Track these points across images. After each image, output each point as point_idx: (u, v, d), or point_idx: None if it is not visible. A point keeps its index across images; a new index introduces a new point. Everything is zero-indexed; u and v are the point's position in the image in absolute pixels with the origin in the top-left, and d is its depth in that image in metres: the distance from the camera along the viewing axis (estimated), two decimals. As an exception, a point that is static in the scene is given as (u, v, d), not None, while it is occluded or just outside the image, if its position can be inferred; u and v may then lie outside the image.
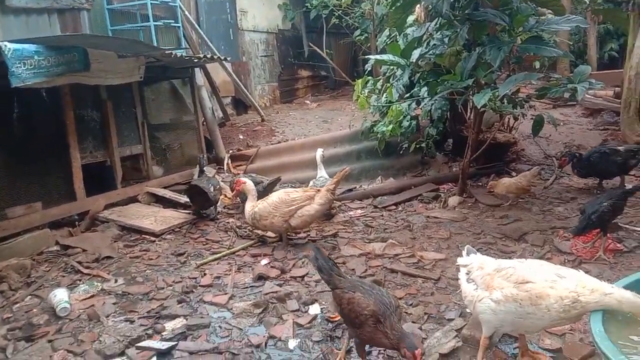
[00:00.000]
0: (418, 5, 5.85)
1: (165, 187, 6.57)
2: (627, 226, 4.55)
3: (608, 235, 4.19)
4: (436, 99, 5.71)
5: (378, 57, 6.06)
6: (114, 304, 3.71)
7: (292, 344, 3.05)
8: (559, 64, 11.25)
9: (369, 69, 7.87)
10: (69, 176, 5.48)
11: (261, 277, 3.99)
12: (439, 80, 5.33)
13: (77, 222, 5.46)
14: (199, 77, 8.15)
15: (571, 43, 12.39)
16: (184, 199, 6.07)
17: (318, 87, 14.61)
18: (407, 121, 6.73)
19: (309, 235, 5.02)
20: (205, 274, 4.14)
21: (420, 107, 6.31)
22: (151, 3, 7.57)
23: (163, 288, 3.93)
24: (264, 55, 12.35)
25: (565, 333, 2.94)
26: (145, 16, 7.83)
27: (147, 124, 6.77)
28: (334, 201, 5.85)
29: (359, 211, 5.77)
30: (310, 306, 3.50)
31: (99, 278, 4.18)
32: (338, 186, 4.88)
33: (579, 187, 5.97)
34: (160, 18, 8.10)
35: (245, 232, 5.18)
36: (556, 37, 8.04)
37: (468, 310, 2.92)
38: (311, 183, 5.76)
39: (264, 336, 3.13)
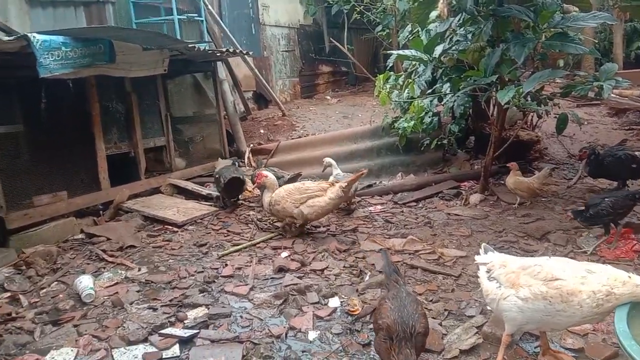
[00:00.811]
0: (441, 1, 5.80)
1: (187, 179, 6.66)
2: (652, 227, 4.47)
3: (633, 236, 4.15)
4: (459, 95, 5.68)
5: (400, 52, 6.03)
6: (137, 291, 3.79)
7: (312, 335, 3.07)
8: (584, 63, 11.04)
9: (390, 64, 7.84)
10: (94, 166, 5.59)
11: (281, 270, 4.03)
12: (462, 77, 5.29)
13: (101, 212, 5.57)
14: (222, 71, 8.22)
15: (597, 41, 12.15)
16: (206, 190, 6.15)
17: (339, 82, 14.59)
18: (429, 117, 6.70)
19: (329, 229, 5.04)
20: (226, 265, 4.19)
21: (442, 103, 6.28)
22: (175, -3, 7.65)
23: (185, 277, 3.99)
24: (285, 50, 12.37)
25: (588, 333, 2.91)
26: (169, 10, 7.91)
27: (170, 117, 6.85)
28: (355, 197, 5.91)
29: (379, 207, 5.77)
30: (330, 299, 3.52)
31: (123, 266, 4.27)
32: (352, 186, 4.93)
33: (602, 187, 5.88)
34: (183, 12, 8.18)
35: (266, 224, 5.23)
36: (581, 35, 7.90)
37: (489, 308, 2.92)
38: (331, 178, 5.78)
39: (284, 327, 3.17)
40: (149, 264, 4.32)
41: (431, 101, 6.44)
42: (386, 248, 4.39)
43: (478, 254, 2.92)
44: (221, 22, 9.32)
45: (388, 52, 7.46)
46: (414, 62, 6.34)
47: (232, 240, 4.85)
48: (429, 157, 7.10)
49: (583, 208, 4.22)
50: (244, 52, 7.87)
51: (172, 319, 3.32)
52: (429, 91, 6.23)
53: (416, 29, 7.02)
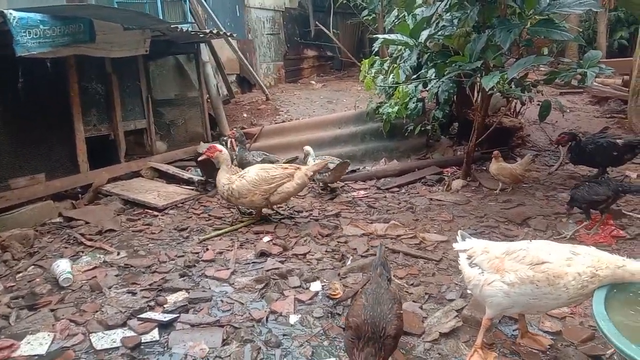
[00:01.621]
0: (428, -15, 5.77)
1: (168, 163, 6.57)
2: (630, 214, 4.54)
3: (612, 222, 4.21)
4: (443, 81, 5.67)
5: (386, 36, 5.97)
6: (116, 275, 3.73)
7: (293, 319, 3.06)
8: (568, 50, 11.13)
9: (376, 49, 7.77)
10: (72, 149, 5.48)
11: (263, 254, 4.00)
12: (447, 62, 5.27)
13: (80, 195, 5.48)
14: (205, 54, 8.08)
15: (581, 30, 12.23)
16: (187, 174, 6.08)
17: (324, 67, 14.50)
18: (413, 103, 6.69)
19: (312, 214, 5.02)
20: (207, 249, 4.15)
21: (427, 89, 6.27)
22: (157, -24, 7.48)
23: (165, 262, 3.95)
24: (270, 33, 12.22)
25: (566, 316, 2.95)
26: (151, -11, 7.75)
27: (152, 99, 6.73)
28: (338, 181, 5.90)
29: (362, 192, 5.77)
30: (311, 283, 3.51)
31: (102, 250, 4.20)
32: (316, 173, 5.00)
33: (582, 173, 5.94)
34: (166, -8, 8.01)
35: (248, 209, 5.19)
36: (566, 23, 7.92)
37: (469, 292, 2.94)
38: (310, 160, 5.77)
39: (265, 311, 3.15)
40: (128, 248, 4.26)
41: (416, 87, 6.43)
42: (369, 233, 4.40)
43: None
44: (204, 3, 9.15)
45: (374, 36, 7.40)
46: (399, 47, 6.30)
47: (213, 224, 4.80)
48: (413, 143, 7.11)
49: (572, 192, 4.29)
50: (228, 34, 7.74)
51: (152, 304, 3.28)
52: (414, 77, 6.20)
53: (402, 14, 6.97)
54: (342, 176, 5.82)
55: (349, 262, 3.84)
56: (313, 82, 12.73)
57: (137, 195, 5.38)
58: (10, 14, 4.06)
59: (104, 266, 3.91)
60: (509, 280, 2.42)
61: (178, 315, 3.11)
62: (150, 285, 3.55)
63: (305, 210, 5.16)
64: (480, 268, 2.62)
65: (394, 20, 7.25)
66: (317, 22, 13.09)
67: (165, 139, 7.08)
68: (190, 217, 5.04)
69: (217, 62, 8.88)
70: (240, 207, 4.99)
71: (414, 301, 3.21)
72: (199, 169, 6.09)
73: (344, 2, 11.97)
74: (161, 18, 7.40)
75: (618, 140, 5.40)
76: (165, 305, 3.25)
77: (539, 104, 5.55)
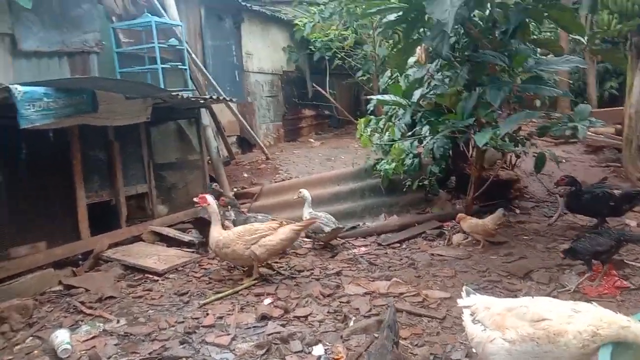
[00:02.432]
0: (419, 47, 6.01)
1: (169, 226, 6.59)
2: (633, 263, 4.51)
3: (614, 272, 4.18)
4: (438, 138, 5.79)
5: (380, 97, 6.18)
6: (115, 345, 3.67)
7: (296, 386, 3.00)
8: (560, 102, 11.37)
9: (371, 108, 8.00)
10: (74, 216, 5.51)
11: (264, 317, 3.95)
12: (440, 120, 5.42)
13: (80, 262, 5.46)
14: (205, 118, 8.29)
15: (571, 82, 12.56)
16: (188, 237, 6.09)
17: (322, 125, 14.80)
18: (410, 159, 6.79)
19: (313, 273, 4.99)
20: (207, 314, 4.10)
21: (422, 145, 6.38)
22: (159, 46, 7.78)
23: (165, 329, 3.89)
24: (269, 95, 12.56)
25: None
26: (153, 59, 8.02)
27: (153, 164, 6.84)
28: (338, 239, 5.91)
29: (363, 249, 5.75)
30: (314, 347, 3.44)
31: (101, 318, 4.15)
32: (304, 230, 5.07)
33: (582, 223, 5.94)
34: (167, 61, 8.30)
35: (248, 269, 5.16)
36: (556, 75, 8.17)
37: (474, 351, 2.88)
38: (305, 214, 5.84)
39: (266, 378, 3.08)
40: (128, 315, 4.21)
41: (411, 143, 6.55)
42: (371, 291, 4.36)
43: (461, 296, 2.90)
44: (205, 70, 9.47)
45: (369, 97, 7.62)
46: (394, 106, 6.47)
47: (214, 287, 4.76)
48: (412, 198, 7.15)
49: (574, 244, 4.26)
50: (227, 98, 7.97)
51: (151, 373, 3.22)
52: (409, 134, 6.34)
53: (395, 74, 7.22)
54: (335, 237, 5.85)
55: (351, 323, 3.79)
56: (312, 140, 12.96)
57: (138, 260, 5.37)
58: (16, 88, 4.21)
59: (103, 335, 3.85)
60: (510, 338, 2.39)
61: (178, 385, 3.04)
62: (149, 354, 3.49)
63: (307, 269, 5.13)
64: (483, 325, 2.59)
65: (387, 80, 7.50)
66: (313, 84, 13.49)
67: (166, 202, 7.14)
68: (191, 280, 5.00)
69: (217, 125, 9.09)
70: (226, 261, 5.01)
71: (418, 362, 3.15)
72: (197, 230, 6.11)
73: (340, 63, 12.39)
74: (162, 86, 7.63)
75: (615, 191, 5.42)
76: (164, 375, 3.18)
77: (534, 156, 5.64)
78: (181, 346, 3.58)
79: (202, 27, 10.09)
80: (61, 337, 3.59)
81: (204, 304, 4.32)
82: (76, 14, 7.16)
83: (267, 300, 4.31)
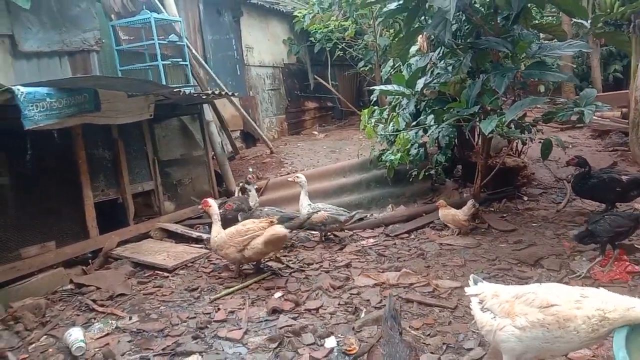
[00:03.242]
0: (420, 36, 5.97)
1: (177, 222, 6.61)
2: (643, 248, 4.50)
3: (625, 257, 4.16)
4: (443, 127, 5.76)
5: (383, 87, 6.14)
6: (128, 341, 3.69)
7: (310, 378, 3.01)
8: (564, 87, 11.31)
9: (374, 99, 7.96)
10: (81, 215, 5.53)
11: (275, 311, 3.96)
12: (445, 108, 5.38)
13: (90, 260, 5.48)
14: (208, 113, 8.28)
15: (575, 66, 12.47)
16: (196, 233, 6.10)
17: (325, 117, 14.76)
18: (415, 149, 6.76)
19: (322, 266, 5.00)
20: (219, 309, 4.12)
21: (427, 134, 6.36)
22: (159, 43, 7.75)
23: (177, 324, 3.91)
24: (271, 89, 12.53)
25: (588, 359, 2.88)
26: (153, 56, 8.00)
27: (158, 161, 6.85)
28: (346, 230, 5.92)
29: (371, 240, 5.75)
30: (326, 339, 3.46)
31: (114, 316, 4.17)
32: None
33: (591, 209, 5.92)
34: (168, 57, 8.29)
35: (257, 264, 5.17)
36: (559, 60, 8.11)
37: (486, 339, 2.88)
38: (303, 204, 5.82)
39: (280, 371, 3.10)
40: (140, 312, 4.23)
41: (416, 133, 6.53)
42: (381, 283, 4.36)
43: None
44: (206, 65, 9.45)
45: (372, 87, 7.58)
46: (397, 96, 6.44)
47: (224, 282, 4.78)
48: (418, 188, 7.14)
49: (583, 229, 4.23)
50: (230, 93, 7.95)
51: (165, 369, 3.24)
52: (414, 123, 6.31)
53: (398, 64, 7.18)
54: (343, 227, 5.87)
55: (362, 315, 3.80)
56: (315, 132, 12.94)
57: (147, 257, 5.39)
58: (18, 89, 4.20)
59: (116, 332, 3.88)
60: (520, 325, 2.40)
61: (193, 380, 3.06)
62: (163, 349, 3.51)
63: (315, 262, 5.14)
64: (492, 313, 2.59)
65: (389, 70, 7.45)
66: (315, 76, 13.46)
67: (172, 198, 7.15)
68: (201, 276, 5.02)
69: (220, 120, 9.08)
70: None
71: (431, 352, 3.16)
72: (207, 226, 6.13)
73: (341, 54, 12.34)
74: (164, 83, 7.62)
75: (623, 177, 5.38)
76: (179, 371, 3.20)
77: (540, 142, 5.61)
78: (194, 341, 3.59)
79: (202, 22, 10.05)
80: (75, 335, 3.61)
81: (215, 299, 4.33)
82: (75, 13, 7.14)
83: (278, 294, 4.32)
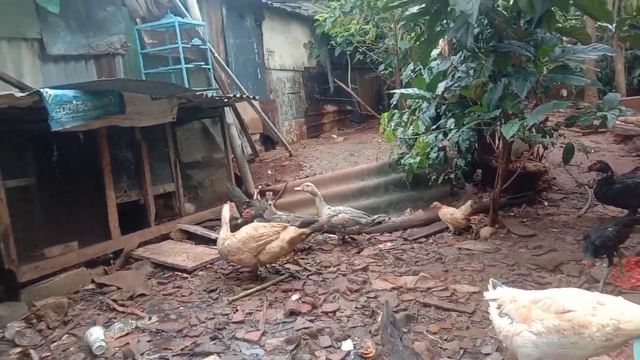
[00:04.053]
0: (442, 39, 5.95)
1: (197, 224, 6.69)
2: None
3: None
4: (463, 130, 5.73)
5: (404, 91, 6.14)
6: (148, 341, 3.75)
7: (326, 381, 3.02)
8: (587, 91, 11.10)
9: (394, 102, 7.94)
10: (104, 215, 5.63)
11: (293, 313, 3.98)
12: (465, 112, 5.35)
13: (112, 260, 5.59)
14: (229, 116, 8.37)
15: (598, 70, 12.25)
16: (215, 234, 6.15)
17: (344, 121, 14.78)
18: (435, 153, 6.73)
19: (339, 269, 5.00)
20: (237, 310, 4.16)
21: (447, 138, 6.32)
22: (183, 47, 7.87)
23: (196, 325, 3.96)
24: (291, 92, 12.60)
25: (609, 368, 2.83)
26: (177, 59, 8.13)
27: (180, 163, 6.95)
28: (363, 234, 5.92)
29: (389, 244, 5.74)
30: (342, 342, 3.47)
31: (134, 316, 4.24)
32: (308, 235, 5.12)
33: (613, 215, 5.81)
34: (191, 60, 8.40)
35: (275, 266, 5.20)
36: (583, 64, 7.99)
37: (503, 345, 2.86)
38: (323, 211, 5.85)
39: (297, 373, 3.11)
40: (159, 313, 4.29)
41: (436, 137, 6.49)
42: (399, 286, 4.35)
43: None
44: (228, 68, 9.55)
45: (392, 91, 7.57)
46: (417, 100, 6.42)
47: (242, 284, 4.82)
48: (437, 192, 7.08)
49: (584, 242, 4.10)
50: (251, 96, 8.02)
51: (184, 369, 3.28)
52: (434, 127, 6.28)
53: (418, 67, 7.15)
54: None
55: (379, 318, 3.79)
56: (334, 135, 12.95)
57: (167, 258, 5.47)
58: (46, 92, 4.32)
59: (136, 332, 3.95)
60: (536, 330, 2.37)
61: (210, 380, 3.10)
62: (182, 350, 3.56)
63: (333, 265, 5.15)
64: (510, 318, 2.58)
65: (410, 74, 7.43)
66: (335, 79, 13.48)
67: (193, 200, 7.24)
68: (219, 277, 5.07)
69: (241, 123, 9.17)
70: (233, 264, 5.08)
71: (449, 357, 3.14)
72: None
73: (361, 58, 12.34)
74: (187, 86, 7.73)
75: None
76: (197, 371, 3.24)
77: (562, 147, 5.53)
78: (212, 342, 3.64)
79: (224, 26, 10.17)
80: (95, 335, 3.68)
81: (233, 301, 4.38)
82: (101, 17, 7.31)
83: (295, 296, 4.34)
